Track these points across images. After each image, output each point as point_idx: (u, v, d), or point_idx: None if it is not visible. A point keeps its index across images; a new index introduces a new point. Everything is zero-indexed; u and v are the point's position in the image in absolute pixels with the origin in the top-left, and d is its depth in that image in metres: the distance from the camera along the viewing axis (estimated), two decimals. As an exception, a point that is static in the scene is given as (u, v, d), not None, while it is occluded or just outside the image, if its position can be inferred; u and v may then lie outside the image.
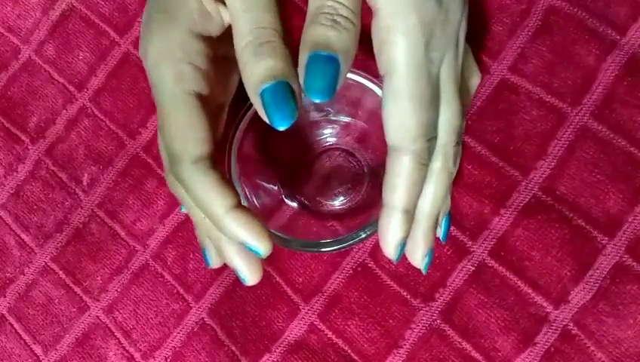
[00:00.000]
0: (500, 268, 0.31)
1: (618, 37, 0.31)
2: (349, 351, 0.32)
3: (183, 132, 0.24)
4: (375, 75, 0.25)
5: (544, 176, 0.31)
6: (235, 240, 0.24)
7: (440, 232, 0.28)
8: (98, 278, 0.35)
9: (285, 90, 0.22)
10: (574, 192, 0.31)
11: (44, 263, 0.36)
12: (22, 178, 0.37)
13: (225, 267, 0.33)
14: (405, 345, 0.31)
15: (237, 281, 0.33)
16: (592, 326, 0.30)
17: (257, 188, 0.30)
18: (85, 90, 0.37)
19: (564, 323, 0.30)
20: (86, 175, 0.36)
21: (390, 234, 0.24)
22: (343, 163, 0.33)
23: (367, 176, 0.32)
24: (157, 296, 0.34)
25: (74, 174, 0.36)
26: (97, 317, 0.34)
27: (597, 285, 0.30)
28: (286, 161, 0.33)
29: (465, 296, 0.31)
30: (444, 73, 0.24)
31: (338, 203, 0.32)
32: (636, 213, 0.30)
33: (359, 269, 0.32)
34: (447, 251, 0.32)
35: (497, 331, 0.30)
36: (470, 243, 0.31)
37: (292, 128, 0.32)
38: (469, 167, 0.32)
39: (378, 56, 0.23)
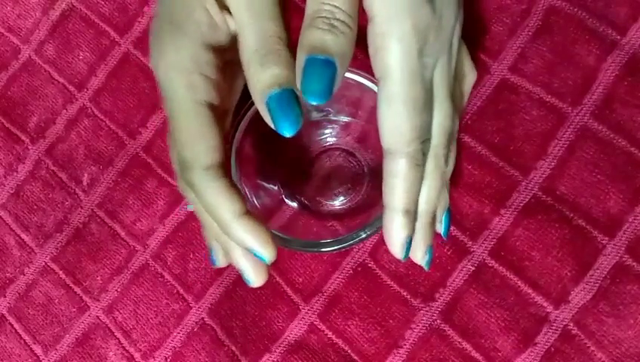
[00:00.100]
0: (500, 268, 0.31)
1: (618, 37, 0.31)
2: (349, 351, 0.32)
3: (195, 141, 0.24)
4: (375, 76, 0.25)
5: (544, 176, 0.31)
6: (242, 245, 0.25)
7: (441, 229, 0.28)
8: (98, 278, 0.35)
9: (290, 97, 0.23)
10: (574, 192, 0.31)
11: (44, 263, 0.36)
12: (22, 178, 0.37)
13: (225, 267, 0.33)
14: (405, 345, 0.31)
15: (237, 281, 0.33)
16: (593, 326, 0.30)
17: (257, 189, 0.30)
18: (85, 90, 0.37)
19: (564, 323, 0.30)
20: (86, 175, 0.36)
21: (394, 235, 0.25)
22: (343, 163, 0.33)
23: (367, 176, 0.32)
24: (157, 296, 0.34)
25: (74, 174, 0.36)
26: (97, 317, 0.34)
27: (597, 285, 0.30)
28: (286, 161, 0.33)
29: (465, 296, 0.31)
30: (438, 77, 0.24)
31: (338, 203, 0.32)
32: (636, 213, 0.30)
33: (359, 269, 0.32)
34: (447, 251, 0.32)
35: (497, 331, 0.30)
36: (470, 243, 0.31)
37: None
38: (469, 167, 0.32)
39: (373, 61, 0.23)
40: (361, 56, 0.32)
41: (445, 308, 0.31)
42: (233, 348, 0.33)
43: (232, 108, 0.29)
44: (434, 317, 0.31)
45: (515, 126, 0.32)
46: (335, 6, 0.22)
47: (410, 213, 0.25)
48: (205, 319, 0.33)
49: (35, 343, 0.35)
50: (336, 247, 0.27)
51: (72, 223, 0.36)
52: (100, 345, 0.34)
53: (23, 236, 0.36)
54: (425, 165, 0.25)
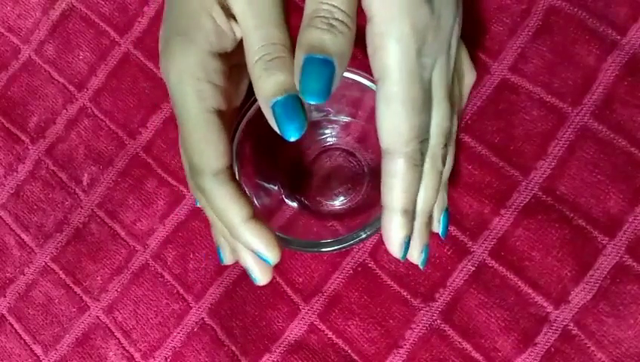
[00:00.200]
0: (500, 268, 0.31)
1: (618, 37, 0.31)
2: (349, 351, 0.32)
3: (204, 147, 0.25)
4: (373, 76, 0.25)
5: (544, 176, 0.31)
6: (248, 248, 0.26)
7: (439, 229, 0.29)
8: (98, 278, 0.35)
9: (295, 103, 0.23)
10: (574, 192, 0.31)
11: (44, 263, 0.36)
12: (22, 178, 0.37)
13: (225, 267, 0.33)
14: (405, 345, 0.31)
15: (237, 281, 0.33)
16: (593, 326, 0.30)
17: (257, 189, 0.30)
18: (85, 89, 0.37)
19: (564, 323, 0.30)
20: (86, 175, 0.36)
21: (393, 234, 0.25)
22: (343, 163, 0.33)
23: (367, 175, 0.32)
24: (157, 296, 0.34)
25: (74, 174, 0.36)
26: (97, 317, 0.34)
27: (597, 285, 0.30)
28: (286, 161, 0.33)
29: (465, 296, 0.31)
30: (436, 78, 0.24)
31: (338, 203, 0.32)
32: (636, 213, 0.30)
33: (359, 269, 0.32)
34: (447, 251, 0.32)
35: (497, 331, 0.30)
36: (470, 243, 0.31)
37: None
38: (469, 167, 0.32)
39: (372, 61, 0.23)
40: (361, 56, 0.32)
41: (445, 308, 0.31)
42: (233, 348, 0.33)
43: (237, 108, 0.29)
44: (434, 317, 0.31)
45: (515, 126, 0.32)
46: (334, 5, 0.22)
47: (408, 212, 0.25)
48: (205, 319, 0.33)
49: (35, 343, 0.35)
50: (336, 247, 0.27)
51: (72, 223, 0.36)
52: (100, 345, 0.34)
53: (23, 236, 0.36)
54: (423, 165, 0.25)
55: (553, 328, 0.30)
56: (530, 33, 0.32)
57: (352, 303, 0.32)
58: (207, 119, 0.25)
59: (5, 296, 0.36)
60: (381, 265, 0.32)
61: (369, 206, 0.31)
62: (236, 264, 0.30)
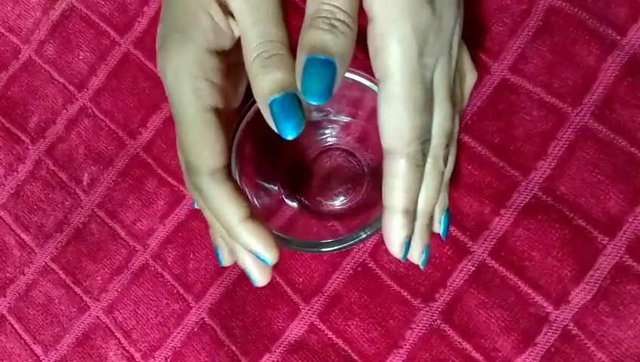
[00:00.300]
0: (501, 268, 0.31)
1: (618, 37, 0.31)
2: (349, 351, 0.32)
3: (201, 145, 0.25)
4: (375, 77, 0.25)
5: (544, 176, 0.31)
6: (245, 248, 0.26)
7: (440, 229, 0.29)
8: (98, 278, 0.35)
9: (293, 101, 0.23)
10: (574, 192, 0.31)
11: (44, 263, 0.36)
12: (22, 178, 0.37)
13: (225, 267, 0.33)
14: (405, 345, 0.31)
15: (237, 281, 0.33)
16: (593, 326, 0.30)
17: (258, 189, 0.31)
18: (85, 90, 0.37)
19: (564, 323, 0.30)
20: (86, 175, 0.36)
21: (394, 235, 0.25)
22: (343, 163, 0.33)
23: (367, 176, 0.32)
24: (157, 296, 0.34)
25: (74, 174, 0.36)
26: (97, 317, 0.34)
27: (597, 285, 0.30)
28: (286, 161, 0.33)
29: (465, 296, 0.31)
30: (438, 78, 0.24)
31: (338, 203, 0.32)
32: (636, 213, 0.30)
33: (359, 269, 0.32)
34: (447, 251, 0.32)
35: (497, 331, 0.30)
36: (470, 243, 0.31)
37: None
38: (469, 167, 0.32)
39: (373, 62, 0.23)
40: (361, 56, 0.32)
41: (445, 308, 0.31)
42: (233, 348, 0.33)
43: (236, 108, 0.29)
44: (434, 317, 0.31)
45: (516, 126, 0.32)
46: (335, 6, 0.22)
47: (409, 213, 0.25)
48: (205, 319, 0.33)
49: (35, 343, 0.35)
50: (336, 247, 0.27)
51: (72, 223, 0.36)
52: (100, 345, 0.34)
53: (23, 236, 0.36)
54: (425, 166, 0.25)
55: (553, 328, 0.30)
56: (530, 33, 0.32)
57: (352, 303, 0.32)
58: (204, 117, 0.25)
59: (5, 296, 0.36)
60: (381, 265, 0.32)
61: (369, 206, 0.31)
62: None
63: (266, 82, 0.23)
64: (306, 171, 0.33)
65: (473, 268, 0.31)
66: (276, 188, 0.32)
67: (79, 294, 0.35)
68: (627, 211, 0.30)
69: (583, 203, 0.30)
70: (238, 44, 0.26)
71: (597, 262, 0.30)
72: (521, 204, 0.31)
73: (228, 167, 0.26)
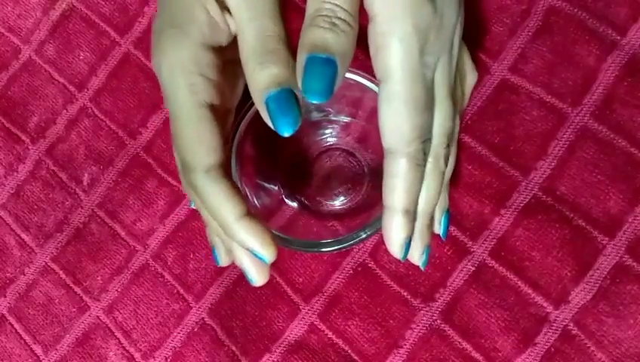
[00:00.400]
0: (500, 268, 0.31)
1: (618, 37, 0.31)
2: (349, 351, 0.32)
3: (196, 142, 0.24)
4: (375, 76, 0.25)
5: (544, 176, 0.31)
6: (242, 246, 0.25)
7: (440, 230, 0.28)
8: (98, 278, 0.35)
9: (289, 97, 0.23)
10: (574, 192, 0.31)
11: (44, 263, 0.36)
12: (22, 178, 0.37)
13: (225, 267, 0.33)
14: (405, 345, 0.31)
15: (237, 281, 0.33)
16: (593, 326, 0.30)
17: (258, 189, 0.31)
18: (86, 90, 0.37)
19: (564, 323, 0.30)
20: (86, 175, 0.36)
21: (394, 235, 0.25)
22: (343, 163, 0.33)
23: (367, 176, 0.32)
24: (157, 296, 0.34)
25: (74, 174, 0.36)
26: (97, 317, 0.34)
27: (597, 285, 0.30)
28: (286, 161, 0.33)
29: (465, 296, 0.31)
30: (439, 77, 0.24)
31: (338, 203, 0.32)
32: (636, 213, 0.30)
33: (359, 269, 0.32)
34: (447, 251, 0.32)
35: (497, 331, 0.30)
36: (470, 243, 0.31)
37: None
38: (469, 167, 0.32)
39: (374, 60, 0.23)
40: (362, 56, 0.32)
41: (445, 308, 0.31)
42: (233, 348, 0.33)
43: (233, 107, 0.29)
44: (434, 317, 0.31)
45: (515, 126, 0.32)
46: (336, 5, 0.22)
47: (409, 213, 0.24)
48: (205, 319, 0.33)
49: (35, 343, 0.35)
50: (336, 247, 0.27)
51: (72, 223, 0.36)
52: (100, 345, 0.34)
53: (24, 236, 0.36)
54: (425, 165, 0.25)
55: (553, 328, 0.30)
56: (530, 33, 0.32)
57: (352, 303, 0.32)
58: (200, 113, 0.25)
59: (5, 296, 0.36)
60: (381, 265, 0.32)
61: (369, 206, 0.31)
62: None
63: (262, 77, 0.23)
64: (306, 171, 0.33)
65: (473, 268, 0.31)
66: (276, 188, 0.32)
67: (79, 294, 0.35)
68: (627, 211, 0.30)
69: (583, 203, 0.30)
70: (235, 41, 0.25)
71: (597, 262, 0.30)
72: (521, 204, 0.31)
73: (224, 165, 0.25)
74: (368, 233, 0.27)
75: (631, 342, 0.29)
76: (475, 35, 0.33)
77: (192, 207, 0.31)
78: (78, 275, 0.35)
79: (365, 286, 0.32)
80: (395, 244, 0.25)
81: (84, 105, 0.37)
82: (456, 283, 0.31)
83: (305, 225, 0.32)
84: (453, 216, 0.31)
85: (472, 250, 0.31)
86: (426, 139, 0.24)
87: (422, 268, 0.27)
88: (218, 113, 0.25)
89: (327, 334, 0.32)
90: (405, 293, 0.32)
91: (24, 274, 0.36)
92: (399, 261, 0.29)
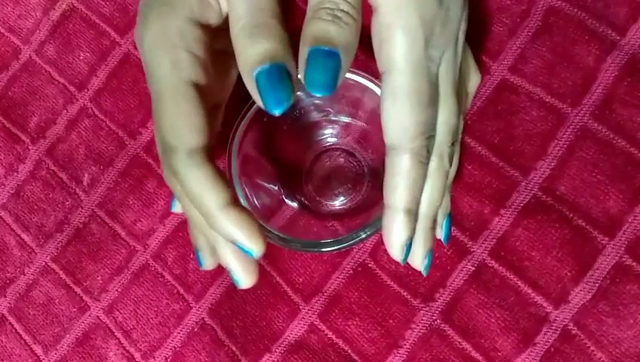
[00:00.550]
0: (500, 268, 0.31)
1: (618, 37, 0.31)
2: (349, 351, 0.32)
3: (178, 121, 0.23)
4: (375, 75, 0.25)
5: (544, 176, 0.31)
6: (228, 239, 0.23)
7: (441, 234, 0.28)
8: (98, 278, 0.35)
9: (282, 73, 0.21)
10: (574, 192, 0.31)
11: (44, 263, 0.36)
12: (22, 178, 0.37)
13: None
14: (405, 345, 0.31)
15: (237, 281, 0.33)
16: (592, 326, 0.30)
17: (258, 189, 0.31)
18: (86, 90, 0.37)
19: (564, 323, 0.30)
20: (86, 175, 0.36)
21: (394, 236, 0.24)
22: (343, 163, 0.33)
23: (367, 176, 0.32)
24: (157, 296, 0.34)
25: (74, 174, 0.36)
26: (97, 317, 0.34)
27: (597, 285, 0.30)
28: (286, 161, 0.33)
29: (465, 296, 0.31)
30: (443, 72, 0.24)
31: (338, 203, 0.32)
32: (636, 213, 0.30)
33: (359, 269, 0.32)
34: (447, 251, 0.32)
35: (497, 331, 0.30)
36: (470, 243, 0.31)
37: (292, 128, 0.32)
38: (469, 167, 0.32)
39: (378, 53, 0.23)
40: (362, 56, 0.32)
41: (445, 308, 0.31)
42: (233, 348, 0.33)
43: (224, 101, 0.28)
44: (434, 317, 0.31)
45: (515, 126, 0.32)
46: None
47: (411, 212, 0.24)
48: (205, 319, 0.33)
49: (35, 343, 0.35)
50: (336, 247, 0.27)
51: (72, 223, 0.36)
52: (100, 345, 0.34)
53: (24, 236, 0.36)
54: (429, 163, 0.24)
55: (553, 328, 0.30)
56: (529, 34, 0.32)
57: (352, 303, 0.32)
58: (183, 90, 0.23)
59: (5, 296, 0.36)
60: (381, 265, 0.32)
61: (369, 206, 0.31)
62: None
63: (252, 52, 0.22)
64: (306, 171, 0.33)
65: (473, 268, 0.31)
66: (276, 188, 0.32)
67: (79, 294, 0.35)
68: (627, 211, 0.30)
69: (583, 203, 0.30)
70: (226, 31, 0.24)
71: (597, 262, 0.30)
72: (521, 204, 0.31)
73: (209, 150, 0.23)
74: (368, 233, 0.27)
75: (631, 341, 0.29)
76: (475, 35, 0.33)
77: (174, 210, 0.29)
78: (78, 275, 0.35)
79: (365, 286, 0.32)
80: (395, 246, 0.24)
81: (84, 105, 0.37)
82: (456, 283, 0.31)
83: (305, 225, 0.32)
84: (453, 215, 0.31)
85: (471, 249, 0.31)
86: (429, 136, 0.23)
87: (424, 274, 0.26)
88: (206, 101, 0.24)
89: (327, 334, 0.32)
90: (405, 293, 0.32)
91: (24, 274, 0.36)
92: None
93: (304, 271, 0.33)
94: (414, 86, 0.22)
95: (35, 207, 0.36)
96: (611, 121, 0.31)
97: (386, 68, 0.22)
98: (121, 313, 0.34)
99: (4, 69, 0.38)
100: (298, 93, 0.24)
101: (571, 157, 0.31)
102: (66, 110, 0.37)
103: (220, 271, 0.34)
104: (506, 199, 0.31)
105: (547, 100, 0.32)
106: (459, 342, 0.31)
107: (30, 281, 0.36)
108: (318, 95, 0.22)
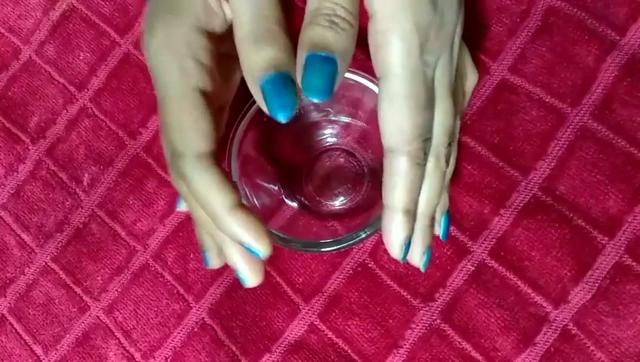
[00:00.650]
0: (500, 268, 0.31)
1: (618, 37, 0.31)
2: (349, 351, 0.32)
3: (186, 127, 0.23)
4: (375, 75, 0.25)
5: (544, 176, 0.31)
6: (235, 240, 0.24)
7: (440, 231, 0.28)
8: (98, 278, 0.35)
9: (287, 81, 0.22)
10: (574, 192, 0.31)
11: (44, 263, 0.36)
12: (22, 178, 0.37)
13: (225, 267, 0.33)
14: (405, 344, 0.31)
15: (237, 281, 0.33)
16: (592, 326, 0.30)
17: (258, 188, 0.31)
18: (86, 90, 0.37)
19: (563, 323, 0.30)
20: (86, 175, 0.36)
21: (393, 235, 0.24)
22: (343, 163, 0.33)
23: (367, 176, 0.32)
24: (157, 296, 0.34)
25: (74, 174, 0.36)
26: (97, 317, 0.34)
27: (597, 285, 0.30)
28: (286, 161, 0.33)
29: (465, 296, 0.31)
30: (439, 76, 0.24)
31: (338, 203, 0.32)
32: (636, 213, 0.30)
33: (359, 269, 0.32)
34: (447, 251, 0.32)
35: (497, 331, 0.30)
36: (470, 243, 0.31)
37: (292, 128, 0.32)
38: (469, 167, 0.32)
39: (374, 59, 0.23)
40: (361, 56, 0.32)
41: (445, 308, 0.31)
42: (233, 348, 0.33)
43: (228, 103, 0.28)
44: (434, 317, 0.31)
45: (515, 126, 0.32)
46: (336, 3, 0.22)
47: (410, 212, 0.24)
48: (205, 319, 0.33)
49: (35, 343, 0.35)
50: (336, 247, 0.27)
51: (72, 223, 0.36)
52: (100, 345, 0.34)
53: (24, 236, 0.36)
54: (426, 165, 0.25)
55: (553, 328, 0.30)
56: (529, 34, 0.32)
57: (352, 303, 0.32)
58: (191, 97, 0.23)
59: (5, 296, 0.36)
60: (381, 265, 0.32)
61: (369, 206, 0.31)
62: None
63: (257, 60, 0.22)
64: (306, 171, 0.33)
65: (473, 268, 0.31)
66: (276, 188, 0.32)
67: (79, 294, 0.35)
68: (626, 211, 0.30)
69: (583, 203, 0.31)
70: (230, 35, 0.24)
71: (596, 262, 0.30)
72: (521, 204, 0.31)
73: (215, 154, 0.24)
74: (368, 233, 0.27)
75: (630, 341, 0.29)
76: (475, 35, 0.33)
77: (179, 209, 0.30)
78: (78, 275, 0.35)
79: (365, 286, 0.32)
80: (394, 245, 0.25)
81: (84, 105, 0.37)
82: (455, 283, 0.31)
83: (305, 225, 0.32)
84: (452, 215, 0.31)
85: (471, 249, 0.31)
86: (426, 138, 0.24)
87: (422, 270, 0.27)
88: (210, 102, 0.24)
89: (327, 334, 0.32)
90: (405, 293, 0.32)
91: (24, 274, 0.36)
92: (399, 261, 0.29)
93: (304, 271, 0.33)
94: (410, 90, 0.23)
95: (35, 207, 0.36)
96: (611, 121, 0.31)
97: (382, 73, 0.23)
98: (121, 313, 0.34)
99: (4, 69, 0.38)
100: None
101: (571, 157, 0.31)
102: (66, 110, 0.37)
103: (221, 271, 0.34)
104: (506, 199, 0.31)
105: (547, 100, 0.32)
106: (459, 342, 0.31)
107: (30, 281, 0.36)
108: (315, 100, 0.22)
